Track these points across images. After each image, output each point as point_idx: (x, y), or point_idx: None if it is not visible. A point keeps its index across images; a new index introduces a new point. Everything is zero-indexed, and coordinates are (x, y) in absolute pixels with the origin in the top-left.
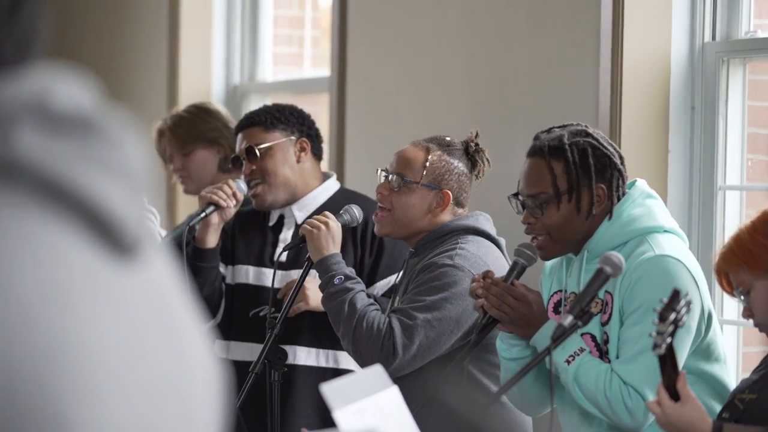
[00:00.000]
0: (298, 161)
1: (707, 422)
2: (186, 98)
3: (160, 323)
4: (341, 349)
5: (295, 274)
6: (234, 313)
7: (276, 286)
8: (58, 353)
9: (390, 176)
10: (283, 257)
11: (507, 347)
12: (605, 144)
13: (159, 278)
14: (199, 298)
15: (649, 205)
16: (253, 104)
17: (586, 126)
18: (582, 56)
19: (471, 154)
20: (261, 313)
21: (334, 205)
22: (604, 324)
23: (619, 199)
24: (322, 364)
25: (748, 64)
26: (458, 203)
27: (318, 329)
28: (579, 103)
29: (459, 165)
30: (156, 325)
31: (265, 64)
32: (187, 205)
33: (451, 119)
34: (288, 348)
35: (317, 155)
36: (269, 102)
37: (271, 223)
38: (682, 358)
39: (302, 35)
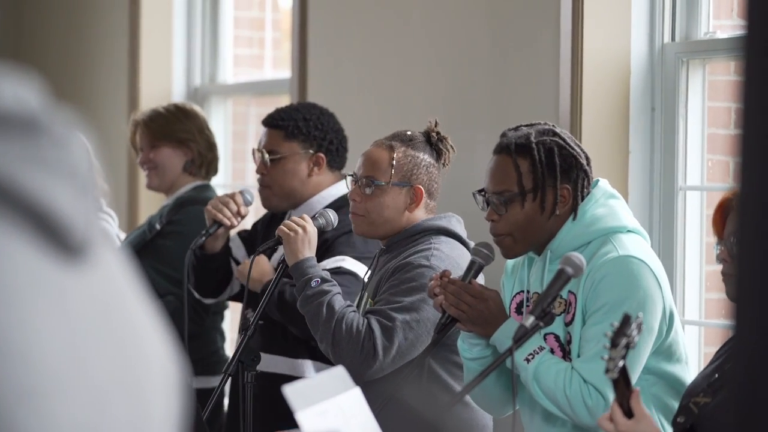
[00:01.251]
0: (309, 175)
1: None
2: (147, 100)
3: (111, 324)
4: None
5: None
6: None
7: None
8: (5, 357)
9: (359, 181)
10: (275, 262)
11: (468, 347)
12: (572, 144)
13: (111, 279)
14: (203, 287)
15: (612, 205)
16: (214, 106)
17: (553, 125)
18: (542, 57)
19: (434, 143)
20: (248, 316)
21: (335, 207)
22: (567, 324)
23: (583, 199)
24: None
25: (708, 64)
26: (430, 195)
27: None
28: (540, 104)
29: (425, 157)
30: (106, 326)
31: (226, 66)
32: (148, 204)
33: (413, 120)
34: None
35: (335, 166)
36: (230, 104)
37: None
38: (643, 358)
39: (263, 37)
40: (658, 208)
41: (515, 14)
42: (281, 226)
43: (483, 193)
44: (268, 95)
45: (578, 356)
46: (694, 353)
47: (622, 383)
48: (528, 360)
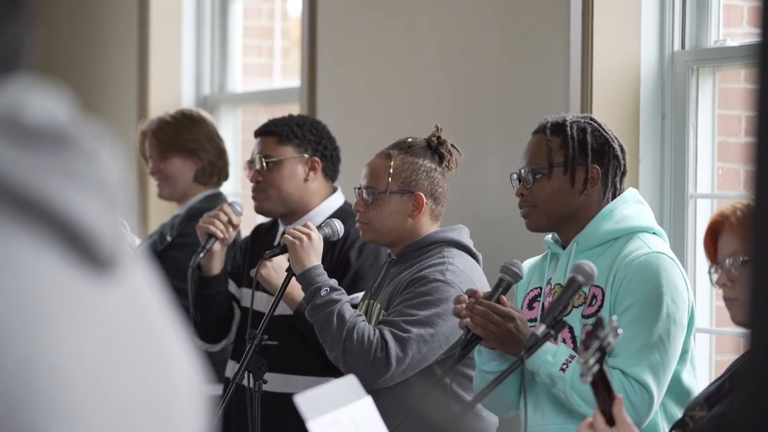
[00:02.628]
0: (305, 180)
1: None
2: (156, 109)
3: (139, 337)
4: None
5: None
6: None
7: (258, 309)
8: (30, 367)
9: (362, 191)
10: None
11: (486, 359)
12: (607, 130)
13: (139, 292)
14: (206, 323)
15: (640, 210)
16: (224, 115)
17: (595, 116)
18: (552, 65)
19: (435, 148)
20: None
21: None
22: (587, 317)
23: (614, 189)
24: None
25: (718, 72)
26: (434, 200)
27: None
28: (550, 112)
29: (424, 162)
30: (135, 339)
31: (235, 75)
32: (159, 213)
33: (422, 129)
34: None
35: (330, 176)
36: (239, 113)
37: (276, 243)
38: (676, 354)
39: (272, 46)
40: (668, 216)
41: (525, 23)
42: (286, 235)
43: (518, 172)
44: (278, 104)
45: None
46: (705, 362)
47: (602, 389)
48: (563, 369)
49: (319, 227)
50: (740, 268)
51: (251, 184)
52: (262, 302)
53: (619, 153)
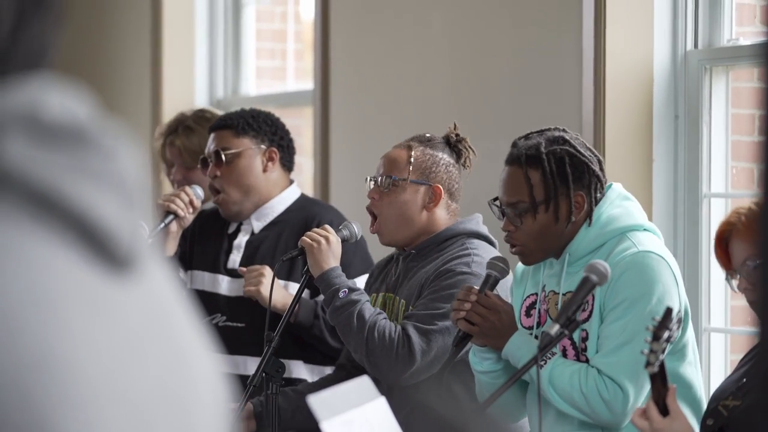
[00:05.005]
0: (265, 170)
1: None
2: (170, 112)
3: (157, 337)
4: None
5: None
6: None
7: (226, 293)
8: (44, 363)
9: (378, 179)
10: (235, 263)
11: (479, 360)
12: (582, 150)
13: (158, 292)
14: None
15: (626, 206)
16: None
17: (563, 130)
18: (565, 65)
19: (453, 144)
20: (214, 321)
21: (291, 214)
22: (582, 322)
23: (597, 203)
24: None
25: (731, 71)
26: (450, 195)
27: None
28: (563, 112)
29: (444, 156)
30: (152, 338)
31: (248, 78)
32: None
33: (435, 129)
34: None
35: (287, 166)
36: None
37: (230, 231)
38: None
39: (285, 48)
40: (682, 216)
41: (537, 23)
42: (304, 237)
43: (497, 202)
44: (291, 107)
45: (596, 352)
46: (720, 360)
47: (659, 380)
48: (540, 366)
49: (336, 229)
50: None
51: None
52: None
53: (598, 171)
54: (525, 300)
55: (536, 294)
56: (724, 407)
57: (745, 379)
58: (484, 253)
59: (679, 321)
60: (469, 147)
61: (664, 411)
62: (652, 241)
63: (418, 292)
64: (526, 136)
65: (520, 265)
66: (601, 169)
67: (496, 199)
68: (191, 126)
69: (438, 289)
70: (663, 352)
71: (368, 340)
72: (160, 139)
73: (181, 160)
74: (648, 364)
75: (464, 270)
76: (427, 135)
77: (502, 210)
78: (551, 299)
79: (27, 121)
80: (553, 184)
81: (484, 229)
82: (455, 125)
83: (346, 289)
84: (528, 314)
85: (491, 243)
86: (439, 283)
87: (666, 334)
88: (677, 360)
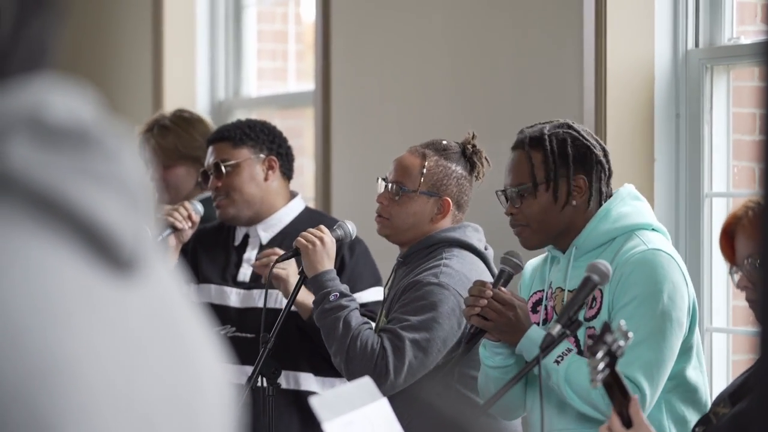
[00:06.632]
0: (266, 179)
1: None
2: None
3: (161, 340)
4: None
5: (257, 293)
6: None
7: (236, 305)
8: (49, 370)
9: (389, 185)
10: (246, 276)
11: (490, 355)
12: (586, 136)
13: (164, 293)
14: None
15: (636, 205)
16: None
17: (571, 122)
18: (566, 65)
19: (468, 156)
20: (223, 332)
21: (298, 225)
22: (589, 319)
23: (603, 195)
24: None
25: (732, 70)
26: (459, 207)
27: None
28: (564, 112)
29: (457, 169)
30: (157, 342)
31: (250, 79)
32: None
33: (437, 130)
34: (295, 374)
35: (286, 174)
36: (254, 117)
37: (236, 243)
38: (674, 353)
39: (286, 50)
40: (684, 215)
41: (538, 22)
42: (299, 238)
43: (503, 190)
44: (292, 108)
45: None
46: (722, 361)
47: (617, 391)
48: (558, 362)
49: (331, 230)
50: (757, 269)
51: None
52: (222, 296)
53: (602, 158)
54: (531, 297)
55: (542, 291)
56: (715, 414)
57: (737, 385)
58: (457, 264)
59: (625, 333)
60: (485, 159)
61: (628, 422)
62: (661, 240)
63: (391, 303)
64: (533, 126)
65: (529, 263)
66: (606, 158)
67: (504, 190)
68: (167, 125)
69: (408, 302)
70: (609, 366)
71: (350, 347)
72: (137, 138)
73: (157, 159)
74: (592, 381)
75: (431, 281)
76: (444, 143)
77: (506, 194)
78: (557, 296)
79: (30, 123)
80: (554, 164)
81: (470, 238)
82: (473, 134)
83: (337, 293)
84: (534, 311)
85: (477, 253)
86: (409, 295)
87: (604, 349)
88: (684, 362)
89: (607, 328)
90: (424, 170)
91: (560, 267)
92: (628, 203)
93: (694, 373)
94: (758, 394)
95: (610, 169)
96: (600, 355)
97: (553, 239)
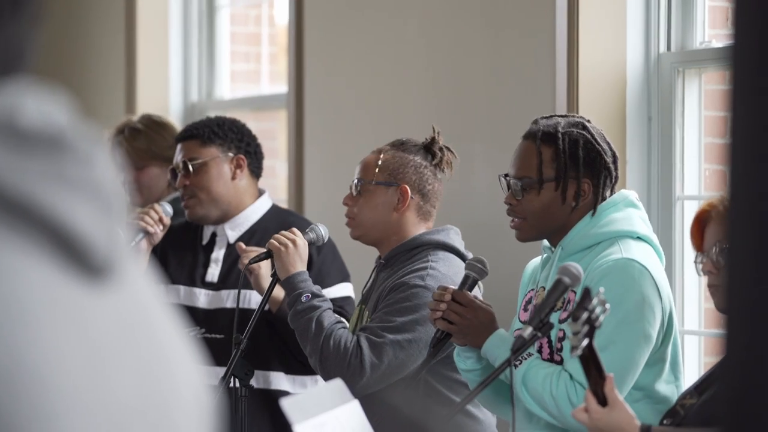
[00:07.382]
0: (233, 178)
1: (635, 426)
2: None
3: (137, 344)
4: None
5: (225, 294)
6: None
7: (204, 306)
8: (14, 374)
9: (352, 186)
10: (214, 276)
11: (462, 359)
12: (599, 140)
13: (138, 298)
14: None
15: (629, 212)
16: None
17: (587, 120)
18: (539, 68)
19: (428, 146)
20: (192, 334)
21: (265, 224)
22: (561, 321)
23: (604, 199)
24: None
25: (704, 74)
26: (423, 196)
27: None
28: (536, 114)
29: (415, 158)
30: (130, 348)
31: (223, 81)
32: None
33: (410, 133)
34: (267, 374)
35: (255, 173)
36: None
37: (204, 242)
38: (639, 364)
39: (259, 52)
40: (655, 218)
41: (511, 26)
42: (272, 240)
43: (507, 176)
44: (265, 110)
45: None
46: (693, 363)
47: (593, 370)
48: (515, 366)
49: (304, 233)
50: (724, 255)
51: None
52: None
53: (611, 164)
54: (525, 296)
55: (534, 290)
56: (681, 406)
57: (703, 376)
58: (443, 267)
59: (603, 303)
60: (444, 148)
61: (603, 401)
62: (641, 250)
63: (376, 303)
64: (549, 117)
65: (531, 263)
66: (614, 165)
67: (506, 175)
68: (137, 127)
69: (392, 302)
70: (588, 335)
71: (323, 347)
72: (108, 142)
73: (129, 161)
74: (572, 348)
75: (418, 283)
76: (403, 139)
77: (509, 183)
78: (539, 294)
79: (2, 128)
80: (564, 164)
81: (453, 241)
82: (434, 129)
83: (309, 294)
84: (525, 309)
85: (460, 255)
86: (394, 296)
87: (585, 315)
88: (655, 375)
89: (587, 293)
90: (380, 162)
91: (547, 267)
92: (620, 209)
93: (665, 387)
94: (726, 379)
95: (616, 176)
96: (582, 319)
97: (547, 235)
